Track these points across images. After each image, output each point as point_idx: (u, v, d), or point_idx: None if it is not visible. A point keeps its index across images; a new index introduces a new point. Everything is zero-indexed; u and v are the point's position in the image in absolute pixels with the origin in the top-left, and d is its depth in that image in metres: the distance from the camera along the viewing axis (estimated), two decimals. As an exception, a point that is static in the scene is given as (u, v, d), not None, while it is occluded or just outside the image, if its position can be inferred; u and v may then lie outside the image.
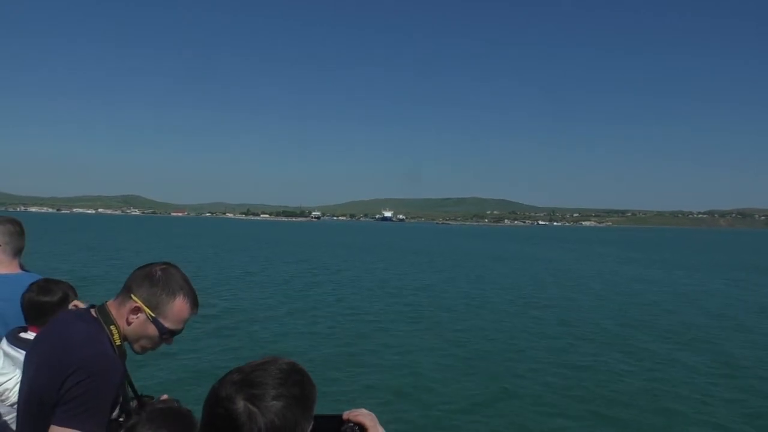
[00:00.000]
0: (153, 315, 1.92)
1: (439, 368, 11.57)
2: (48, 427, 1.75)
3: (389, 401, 9.44)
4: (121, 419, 1.92)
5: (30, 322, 2.53)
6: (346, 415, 1.35)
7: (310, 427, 1.19)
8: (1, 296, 2.77)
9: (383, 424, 1.37)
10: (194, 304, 2.00)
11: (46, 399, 1.77)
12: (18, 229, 3.01)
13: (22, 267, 3.07)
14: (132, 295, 1.92)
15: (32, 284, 2.61)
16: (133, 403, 2.05)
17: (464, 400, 9.64)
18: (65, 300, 2.53)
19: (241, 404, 1.10)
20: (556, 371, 11.53)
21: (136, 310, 1.92)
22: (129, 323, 1.93)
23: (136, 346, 1.98)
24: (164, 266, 1.98)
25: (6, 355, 2.43)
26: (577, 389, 10.39)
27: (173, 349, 11.10)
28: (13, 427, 2.27)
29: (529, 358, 12.55)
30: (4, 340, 2.52)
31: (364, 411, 1.36)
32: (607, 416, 9.08)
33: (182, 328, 1.99)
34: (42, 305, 2.48)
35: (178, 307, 1.94)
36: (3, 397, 2.29)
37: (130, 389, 2.04)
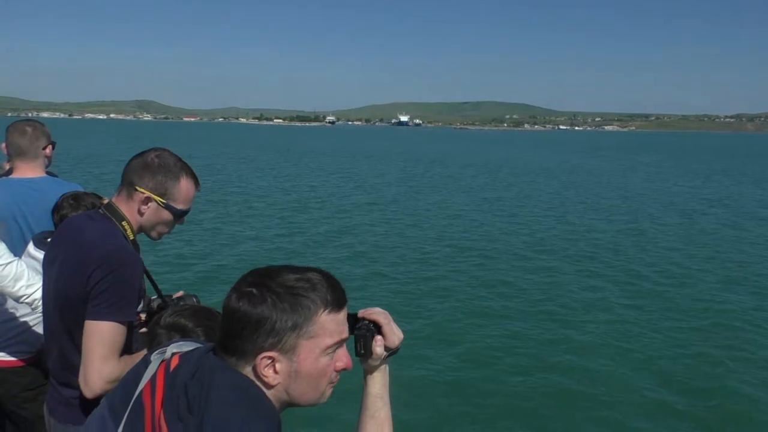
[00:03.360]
0: (164, 201, 1.97)
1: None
2: (75, 319, 1.88)
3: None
4: (143, 314, 1.99)
5: None
6: (361, 313, 1.37)
7: (297, 331, 1.15)
8: (25, 202, 2.83)
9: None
10: (196, 180, 2.05)
11: (72, 296, 1.87)
12: (27, 129, 3.00)
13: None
14: (137, 188, 1.95)
15: (63, 200, 2.64)
16: (156, 302, 2.13)
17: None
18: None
19: (232, 293, 1.16)
20: None
21: (147, 200, 1.96)
22: (142, 214, 1.97)
23: (153, 234, 2.05)
24: (157, 152, 1.99)
25: (32, 259, 2.52)
26: None
27: (184, 244, 12.02)
28: (40, 330, 2.42)
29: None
30: (31, 244, 2.63)
31: (378, 309, 1.38)
32: None
33: (191, 207, 2.06)
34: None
35: (184, 187, 2.00)
36: (34, 306, 2.41)
37: (151, 285, 2.10)
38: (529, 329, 8.35)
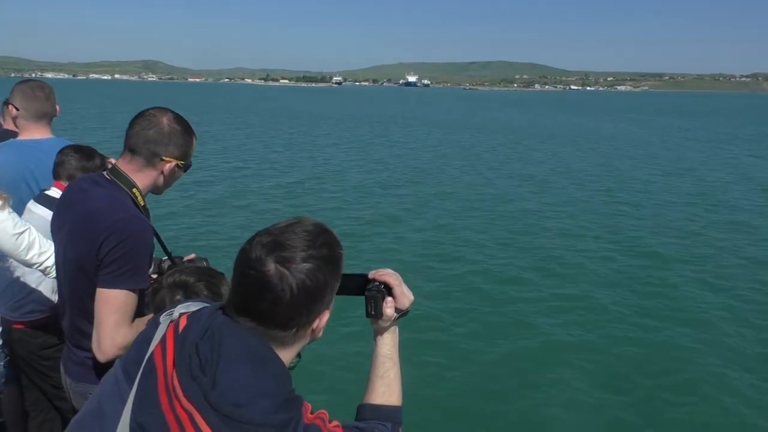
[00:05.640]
0: (183, 162, 2.01)
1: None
2: (85, 286, 1.89)
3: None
4: (154, 275, 2.05)
5: (58, 179, 2.60)
6: (372, 274, 1.37)
7: (338, 285, 1.22)
8: (35, 164, 2.83)
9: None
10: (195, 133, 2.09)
11: (84, 264, 1.88)
12: (37, 92, 2.99)
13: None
14: (164, 158, 1.95)
15: (70, 147, 2.64)
16: (166, 263, 2.16)
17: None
18: (103, 167, 2.49)
19: (272, 266, 1.11)
20: None
21: (173, 167, 1.99)
22: (166, 179, 2.01)
23: (164, 191, 2.09)
24: (166, 115, 1.97)
25: (33, 214, 2.54)
26: None
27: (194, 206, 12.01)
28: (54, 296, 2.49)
29: None
30: (32, 200, 2.65)
31: (389, 270, 1.38)
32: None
33: None
34: (85, 170, 2.50)
35: (194, 144, 2.06)
36: (47, 273, 2.43)
37: (162, 248, 2.11)
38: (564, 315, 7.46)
